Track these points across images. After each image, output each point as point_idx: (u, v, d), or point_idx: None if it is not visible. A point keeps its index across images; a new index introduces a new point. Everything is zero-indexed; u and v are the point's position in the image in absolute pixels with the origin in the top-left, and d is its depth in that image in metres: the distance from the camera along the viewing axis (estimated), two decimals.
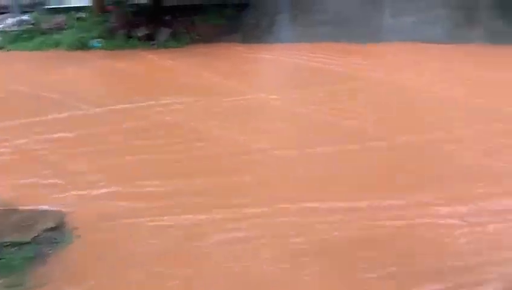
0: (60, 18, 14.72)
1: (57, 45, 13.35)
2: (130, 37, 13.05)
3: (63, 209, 4.75)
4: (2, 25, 14.87)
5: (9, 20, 15.04)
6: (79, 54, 12.65)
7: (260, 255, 4.08)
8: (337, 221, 4.54)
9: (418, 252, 4.08)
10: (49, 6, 15.75)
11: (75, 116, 7.67)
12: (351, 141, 6.22)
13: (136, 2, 14.09)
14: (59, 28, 14.22)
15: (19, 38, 14.02)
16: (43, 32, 14.13)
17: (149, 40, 12.94)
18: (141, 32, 13.08)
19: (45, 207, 4.82)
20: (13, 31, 14.43)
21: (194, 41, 12.82)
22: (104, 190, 5.21)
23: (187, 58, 11.45)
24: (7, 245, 4.11)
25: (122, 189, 5.22)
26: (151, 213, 4.71)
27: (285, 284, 3.76)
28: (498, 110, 7.11)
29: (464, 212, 4.63)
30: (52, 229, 4.37)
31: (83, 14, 14.67)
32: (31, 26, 14.61)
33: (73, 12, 14.92)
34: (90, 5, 14.58)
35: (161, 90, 8.79)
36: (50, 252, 4.12)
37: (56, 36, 13.76)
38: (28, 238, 4.20)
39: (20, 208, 4.79)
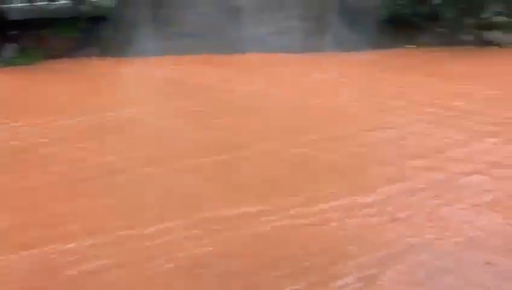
0: None
1: None
2: None
3: None
4: None
5: None
6: None
7: (127, 283, 3.89)
8: (208, 233, 4.52)
9: (285, 254, 4.22)
10: None
11: None
12: (215, 152, 6.25)
13: None
14: None
15: None
16: None
17: None
18: None
19: None
20: None
21: (46, 56, 11.89)
22: None
23: (38, 75, 10.61)
24: None
25: None
26: None
27: None
28: (351, 113, 7.67)
29: (330, 210, 4.92)
30: None
31: None
32: None
33: None
34: None
35: (7, 113, 7.93)
36: None
37: None
38: None
39: None
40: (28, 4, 12.43)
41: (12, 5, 12.34)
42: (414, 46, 11.48)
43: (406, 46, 11.48)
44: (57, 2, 12.53)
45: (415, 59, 10.76)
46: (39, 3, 12.50)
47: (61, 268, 4.02)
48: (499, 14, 11.60)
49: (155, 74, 10.53)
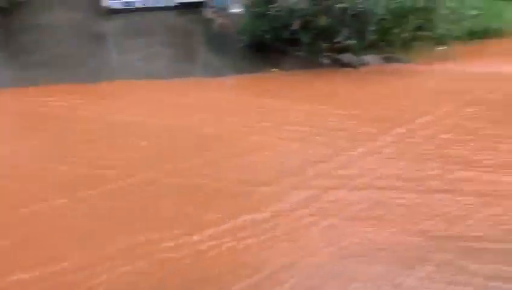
0: None
1: None
2: None
3: None
4: None
5: None
6: None
7: None
8: (102, 268, 4.51)
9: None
10: None
11: None
12: (86, 186, 6.03)
13: None
14: None
15: None
16: None
17: None
18: None
19: None
20: None
21: None
22: None
23: None
24: None
25: None
26: None
27: None
28: (221, 138, 7.78)
29: (210, 238, 5.03)
30: None
31: None
32: None
33: None
34: None
35: None
36: None
37: None
38: None
39: None
40: None
41: None
42: (277, 70, 12.06)
43: (270, 70, 12.02)
44: None
45: (277, 83, 11.28)
46: None
47: None
48: (348, 38, 12.68)
49: (9, 107, 9.69)
